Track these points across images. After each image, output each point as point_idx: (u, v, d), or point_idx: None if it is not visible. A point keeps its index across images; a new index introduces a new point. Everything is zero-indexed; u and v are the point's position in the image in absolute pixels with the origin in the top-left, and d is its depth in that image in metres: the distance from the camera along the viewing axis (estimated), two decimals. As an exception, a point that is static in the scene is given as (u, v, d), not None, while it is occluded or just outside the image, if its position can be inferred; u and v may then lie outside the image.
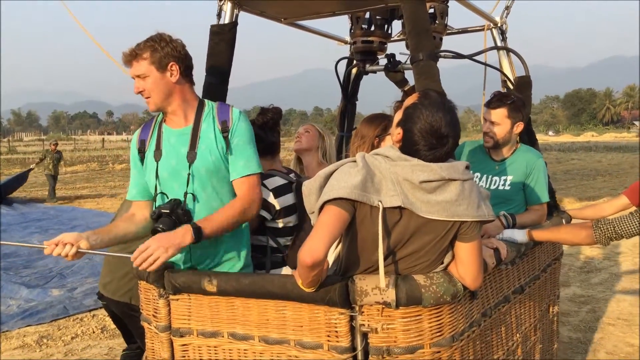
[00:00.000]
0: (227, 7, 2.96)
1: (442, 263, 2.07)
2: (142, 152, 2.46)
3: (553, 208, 3.46)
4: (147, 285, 2.43)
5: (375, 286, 1.96)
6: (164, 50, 2.30)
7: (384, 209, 1.93)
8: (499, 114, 3.04)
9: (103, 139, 73.53)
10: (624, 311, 5.73)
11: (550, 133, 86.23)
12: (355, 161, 2.01)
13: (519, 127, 3.07)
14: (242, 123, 2.40)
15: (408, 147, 2.00)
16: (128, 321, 3.75)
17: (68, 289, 7.18)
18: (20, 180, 17.49)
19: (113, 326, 5.62)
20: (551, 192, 3.47)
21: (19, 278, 7.69)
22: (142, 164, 2.46)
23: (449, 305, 2.04)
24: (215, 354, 2.31)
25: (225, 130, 2.36)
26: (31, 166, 18.83)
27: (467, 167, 2.03)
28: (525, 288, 2.85)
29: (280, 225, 2.75)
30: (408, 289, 1.96)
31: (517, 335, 2.76)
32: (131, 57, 2.31)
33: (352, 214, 1.95)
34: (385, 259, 1.96)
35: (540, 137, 70.82)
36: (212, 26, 2.92)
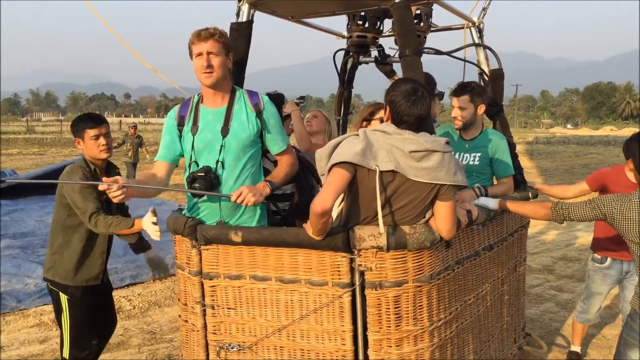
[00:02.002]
0: (245, 7, 3.44)
1: (424, 217, 2.60)
2: (180, 125, 2.92)
3: (521, 183, 4.01)
4: (181, 237, 2.93)
5: (371, 234, 2.49)
6: (228, 41, 2.84)
7: (380, 172, 2.46)
8: (464, 100, 3.62)
9: (120, 121, 70.26)
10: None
11: (569, 126, 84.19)
12: (358, 135, 2.54)
13: (482, 108, 3.65)
14: (272, 106, 2.93)
15: (397, 114, 2.54)
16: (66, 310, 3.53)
17: (84, 269, 7.39)
18: None
19: (129, 307, 5.91)
20: (519, 169, 4.03)
21: (36, 257, 7.76)
22: (179, 135, 2.93)
23: (429, 250, 2.58)
24: (239, 293, 2.82)
25: (258, 112, 2.87)
26: None
27: (447, 143, 2.57)
28: (493, 247, 3.39)
29: (280, 192, 3.27)
30: (397, 236, 2.49)
31: (486, 284, 3.30)
32: (212, 35, 2.77)
33: (353, 174, 2.47)
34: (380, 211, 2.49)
35: (559, 130, 69.33)
36: (232, 24, 3.40)
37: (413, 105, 2.53)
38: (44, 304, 5.97)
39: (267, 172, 3.09)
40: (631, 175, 3.91)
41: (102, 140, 3.39)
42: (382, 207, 2.48)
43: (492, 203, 3.29)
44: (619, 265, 4.08)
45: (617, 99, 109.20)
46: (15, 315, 5.73)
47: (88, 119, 3.46)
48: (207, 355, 2.91)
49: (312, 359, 2.69)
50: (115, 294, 6.17)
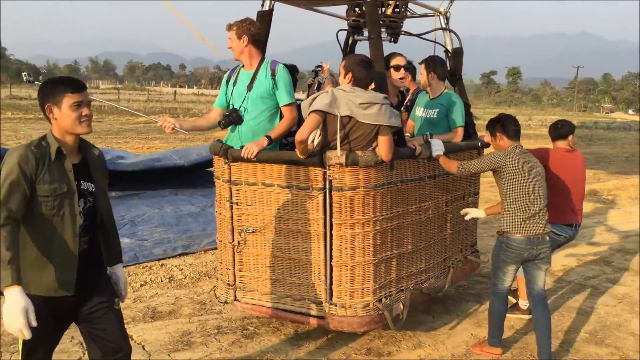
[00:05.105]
0: (267, -1, 4.85)
1: (371, 147, 3.98)
2: (227, 82, 4.38)
3: (472, 135, 5.31)
4: (217, 157, 4.40)
5: (335, 155, 3.89)
6: (243, 29, 4.15)
7: (341, 116, 3.85)
8: (420, 68, 4.95)
9: (175, 91, 73.80)
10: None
11: (631, 112, 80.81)
12: (328, 92, 3.93)
13: (432, 74, 4.93)
14: (284, 72, 4.22)
15: (358, 77, 3.88)
16: None
17: (138, 237, 7.45)
18: None
19: (180, 276, 6.04)
20: (472, 124, 5.33)
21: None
22: (227, 88, 4.38)
23: (374, 168, 3.95)
24: (254, 194, 4.28)
25: (273, 75, 4.21)
26: None
27: (385, 97, 3.93)
28: (437, 177, 4.73)
29: None
30: (352, 157, 3.87)
31: (429, 202, 4.66)
32: (228, 28, 4.17)
33: (323, 118, 3.86)
34: (341, 142, 3.88)
35: (620, 115, 66.93)
36: (258, 11, 4.80)
37: (367, 72, 3.91)
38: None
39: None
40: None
41: (84, 110, 2.69)
42: (342, 139, 3.89)
43: (435, 154, 4.51)
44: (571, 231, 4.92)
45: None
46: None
47: (68, 82, 2.73)
48: (233, 235, 4.42)
49: (299, 237, 4.15)
50: (168, 262, 6.54)
